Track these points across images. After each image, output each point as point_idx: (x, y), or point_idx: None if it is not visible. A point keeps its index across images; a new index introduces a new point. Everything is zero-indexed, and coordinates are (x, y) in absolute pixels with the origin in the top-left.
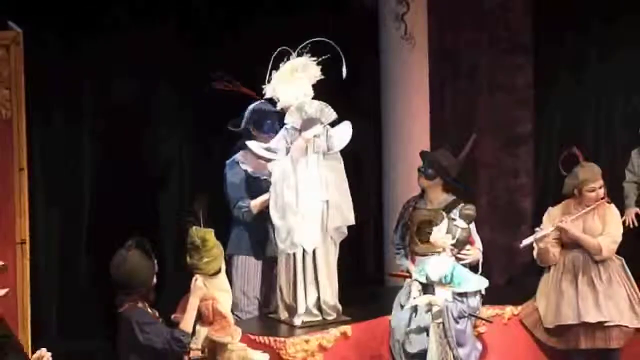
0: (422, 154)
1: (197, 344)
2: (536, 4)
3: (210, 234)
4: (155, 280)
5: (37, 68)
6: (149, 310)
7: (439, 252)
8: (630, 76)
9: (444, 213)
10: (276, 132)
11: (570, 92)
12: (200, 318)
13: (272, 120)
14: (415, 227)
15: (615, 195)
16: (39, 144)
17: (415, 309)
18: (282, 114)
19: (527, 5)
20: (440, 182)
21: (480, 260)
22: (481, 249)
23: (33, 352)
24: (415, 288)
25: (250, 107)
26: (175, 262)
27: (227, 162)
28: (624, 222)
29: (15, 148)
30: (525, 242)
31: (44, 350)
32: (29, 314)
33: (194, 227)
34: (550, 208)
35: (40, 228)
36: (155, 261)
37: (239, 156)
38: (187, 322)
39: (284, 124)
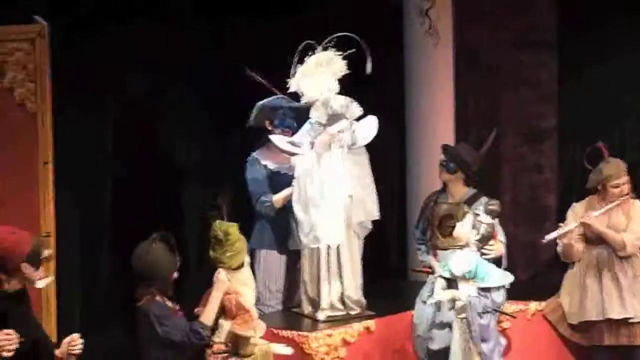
0: (444, 148)
1: (220, 337)
2: None
3: (233, 227)
4: (176, 275)
5: (61, 61)
6: (168, 303)
7: (461, 247)
8: None
9: (465, 206)
10: (288, 128)
11: (594, 87)
12: (223, 312)
13: (284, 114)
14: (437, 222)
15: None
16: (61, 138)
17: (438, 304)
18: (293, 109)
19: (551, 1)
20: (461, 176)
21: (504, 255)
22: (504, 242)
23: (57, 346)
24: (439, 285)
25: (259, 103)
26: (199, 256)
27: (248, 159)
28: None
29: (40, 141)
30: (549, 237)
31: (75, 335)
32: (54, 307)
33: (217, 221)
34: (574, 204)
35: (63, 222)
36: (178, 257)
37: (258, 153)
38: (207, 315)
39: (293, 118)
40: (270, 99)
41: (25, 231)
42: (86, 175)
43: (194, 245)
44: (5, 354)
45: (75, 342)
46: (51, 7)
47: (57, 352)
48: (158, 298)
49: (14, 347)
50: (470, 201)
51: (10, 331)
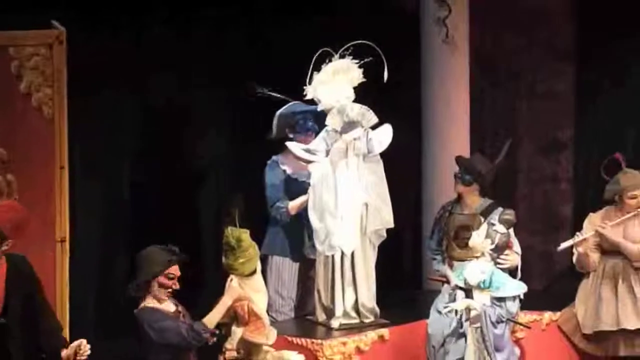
0: (458, 160)
1: (232, 344)
2: (579, 9)
3: (245, 234)
4: (166, 281)
5: (78, 66)
6: (164, 307)
7: (477, 257)
8: None
9: (481, 217)
10: (310, 130)
11: (611, 98)
12: (235, 319)
13: (304, 117)
14: (452, 233)
15: None
16: (77, 143)
17: (454, 314)
18: (312, 111)
19: (570, 11)
20: (476, 187)
21: (519, 265)
22: (519, 253)
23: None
24: (460, 296)
25: (277, 113)
26: (215, 263)
27: (268, 162)
28: None
29: (56, 146)
30: (563, 245)
31: (84, 341)
32: (68, 312)
33: (229, 228)
34: (591, 213)
35: (78, 227)
36: (176, 259)
37: (279, 157)
38: (211, 317)
39: (313, 121)
40: (285, 107)
41: (18, 215)
42: (102, 180)
43: (211, 251)
44: None
45: (83, 348)
46: (68, 12)
47: (63, 354)
48: (150, 303)
49: None
50: (486, 212)
51: None
